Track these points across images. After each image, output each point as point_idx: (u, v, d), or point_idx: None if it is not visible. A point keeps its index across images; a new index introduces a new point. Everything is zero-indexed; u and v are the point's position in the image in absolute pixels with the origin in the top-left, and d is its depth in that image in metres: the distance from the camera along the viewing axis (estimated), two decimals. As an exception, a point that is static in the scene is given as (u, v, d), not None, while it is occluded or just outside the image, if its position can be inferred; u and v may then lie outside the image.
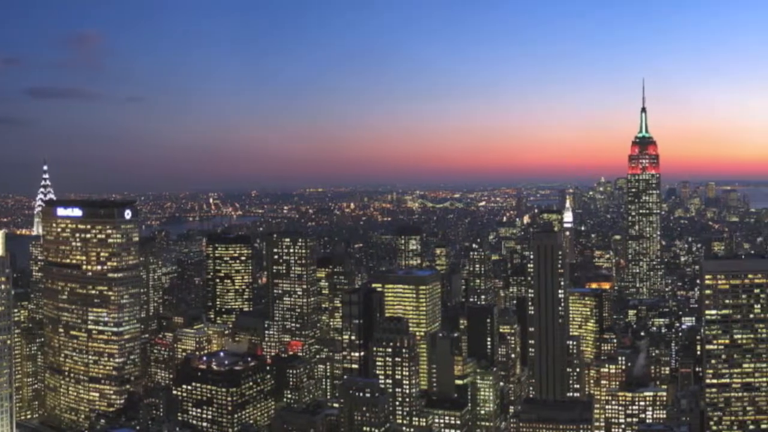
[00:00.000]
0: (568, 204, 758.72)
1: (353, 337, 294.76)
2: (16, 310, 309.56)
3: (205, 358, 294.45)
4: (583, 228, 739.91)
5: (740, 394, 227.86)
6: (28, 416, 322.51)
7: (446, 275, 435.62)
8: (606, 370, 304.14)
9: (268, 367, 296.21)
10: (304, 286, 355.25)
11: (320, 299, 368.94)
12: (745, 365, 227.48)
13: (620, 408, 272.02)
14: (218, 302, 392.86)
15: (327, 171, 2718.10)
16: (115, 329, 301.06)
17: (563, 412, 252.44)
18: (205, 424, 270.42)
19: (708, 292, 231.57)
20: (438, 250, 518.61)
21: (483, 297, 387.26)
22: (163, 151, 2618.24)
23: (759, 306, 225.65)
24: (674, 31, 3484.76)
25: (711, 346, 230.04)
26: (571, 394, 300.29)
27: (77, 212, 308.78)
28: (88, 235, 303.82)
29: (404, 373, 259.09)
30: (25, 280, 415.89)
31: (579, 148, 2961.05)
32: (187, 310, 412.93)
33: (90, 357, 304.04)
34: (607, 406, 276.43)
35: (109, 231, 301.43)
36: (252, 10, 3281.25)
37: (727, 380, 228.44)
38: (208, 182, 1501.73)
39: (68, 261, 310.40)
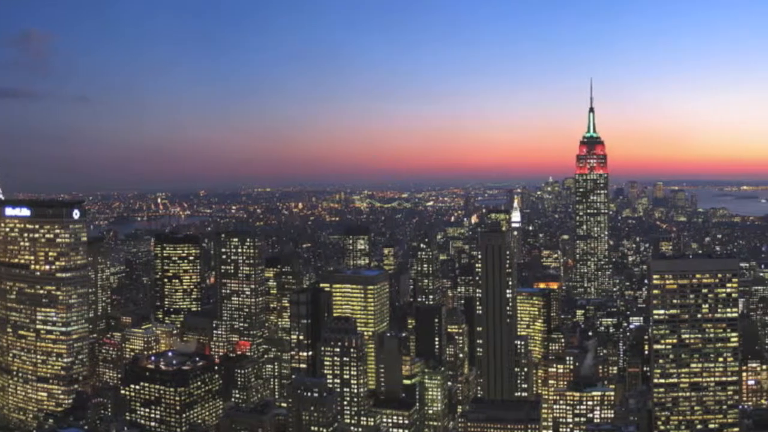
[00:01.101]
0: (516, 204, 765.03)
1: (301, 337, 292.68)
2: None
3: (153, 358, 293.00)
4: (531, 228, 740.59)
5: (688, 394, 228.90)
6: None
7: (394, 275, 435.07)
8: (554, 369, 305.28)
9: (216, 367, 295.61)
10: (252, 286, 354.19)
11: (268, 299, 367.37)
12: (693, 365, 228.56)
13: (568, 408, 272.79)
14: (166, 302, 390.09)
15: (275, 171, 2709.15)
16: (63, 329, 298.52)
17: (511, 411, 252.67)
18: (153, 423, 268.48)
19: (656, 291, 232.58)
20: (386, 249, 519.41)
21: (431, 297, 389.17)
22: (111, 151, 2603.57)
23: (707, 306, 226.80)
24: (622, 32, 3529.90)
25: (659, 346, 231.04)
26: (518, 393, 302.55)
27: (25, 212, 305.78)
28: (37, 235, 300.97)
29: (352, 372, 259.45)
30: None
31: (527, 148, 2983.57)
32: (135, 309, 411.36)
33: (38, 357, 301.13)
34: (554, 406, 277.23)
35: (58, 231, 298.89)
36: (199, 10, 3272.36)
37: (675, 380, 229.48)
38: (157, 182, 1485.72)
39: (16, 261, 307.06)
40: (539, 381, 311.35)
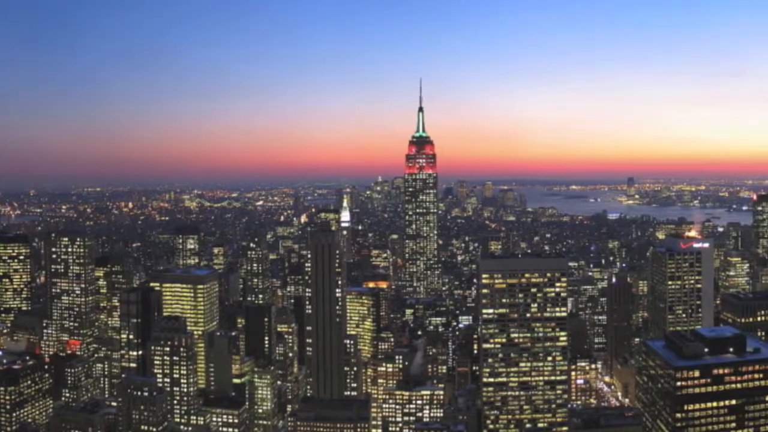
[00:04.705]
0: (345, 203, 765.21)
1: (131, 336, 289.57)
2: None
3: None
4: (360, 227, 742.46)
5: (517, 393, 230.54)
6: None
7: (224, 274, 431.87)
8: (383, 368, 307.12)
9: (46, 366, 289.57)
10: (83, 285, 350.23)
11: (98, 298, 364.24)
12: (522, 364, 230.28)
13: (397, 407, 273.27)
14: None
15: (105, 170, 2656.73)
16: None
17: (340, 410, 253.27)
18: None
19: (485, 291, 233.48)
20: (216, 249, 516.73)
21: (261, 296, 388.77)
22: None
23: (536, 305, 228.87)
24: (451, 32, 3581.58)
25: (488, 345, 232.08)
26: (348, 392, 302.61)
27: None
28: None
29: (182, 371, 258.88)
30: None
31: (357, 147, 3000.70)
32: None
33: None
34: (384, 405, 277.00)
35: None
36: (30, 8, 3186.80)
37: (504, 379, 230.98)
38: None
39: None
40: (369, 380, 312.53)
